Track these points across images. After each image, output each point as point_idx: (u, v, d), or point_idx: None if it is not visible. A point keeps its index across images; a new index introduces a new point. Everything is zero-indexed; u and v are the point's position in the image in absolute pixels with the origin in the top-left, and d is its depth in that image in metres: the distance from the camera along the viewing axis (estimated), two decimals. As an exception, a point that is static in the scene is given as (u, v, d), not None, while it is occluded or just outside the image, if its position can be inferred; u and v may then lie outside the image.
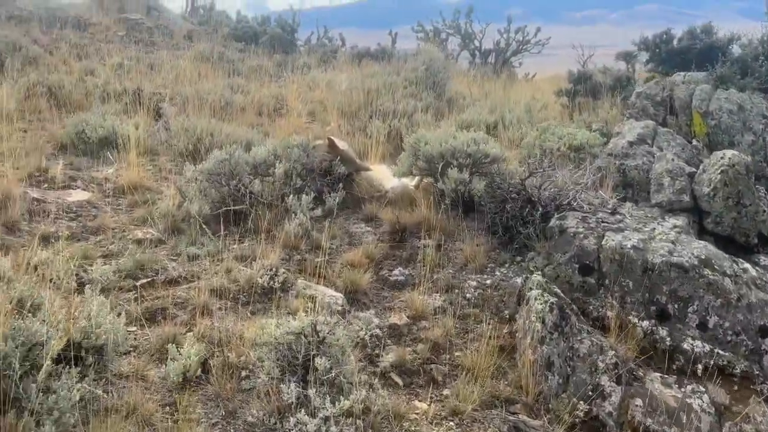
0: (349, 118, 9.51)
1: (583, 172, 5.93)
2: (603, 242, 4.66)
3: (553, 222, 5.16)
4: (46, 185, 6.06)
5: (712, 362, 4.08)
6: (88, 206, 5.69)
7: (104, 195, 6.03)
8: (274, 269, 4.61)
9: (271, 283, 4.52)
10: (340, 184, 5.87)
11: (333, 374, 3.37)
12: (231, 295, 4.42)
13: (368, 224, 5.80)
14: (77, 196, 5.84)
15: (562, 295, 4.33)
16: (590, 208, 5.37)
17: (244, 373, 3.61)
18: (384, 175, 6.06)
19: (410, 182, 6.05)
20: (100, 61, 12.56)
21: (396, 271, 5.09)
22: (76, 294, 3.65)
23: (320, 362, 3.33)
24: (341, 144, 6.00)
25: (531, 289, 4.30)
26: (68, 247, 4.77)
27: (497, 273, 5.12)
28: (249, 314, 4.24)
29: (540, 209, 5.35)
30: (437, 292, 4.82)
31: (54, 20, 15.55)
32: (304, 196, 5.36)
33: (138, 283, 4.41)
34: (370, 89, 10.20)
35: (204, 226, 5.15)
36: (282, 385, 3.31)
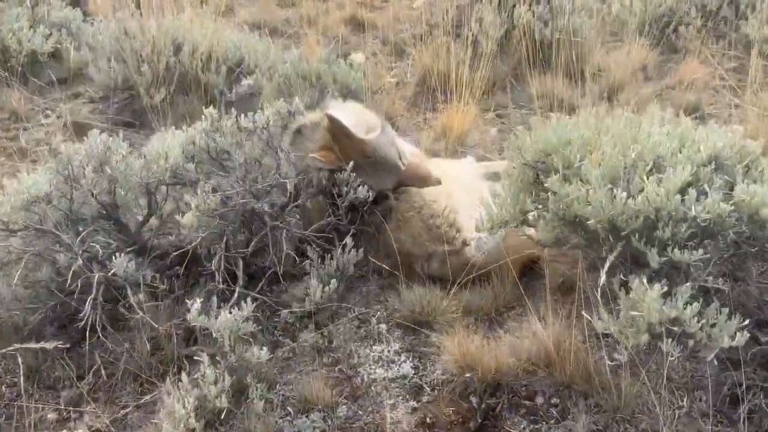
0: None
1: None
2: None
3: None
4: None
5: None
6: None
7: None
8: None
9: None
10: (350, 232, 2.38)
11: None
12: None
13: (406, 345, 2.30)
14: None
15: None
16: None
17: None
18: (461, 201, 2.41)
19: (526, 231, 2.37)
20: None
21: None
22: None
23: None
24: (352, 121, 2.39)
25: None
26: None
27: None
28: None
29: None
30: None
31: None
32: (222, 311, 1.96)
33: None
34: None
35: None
36: None
